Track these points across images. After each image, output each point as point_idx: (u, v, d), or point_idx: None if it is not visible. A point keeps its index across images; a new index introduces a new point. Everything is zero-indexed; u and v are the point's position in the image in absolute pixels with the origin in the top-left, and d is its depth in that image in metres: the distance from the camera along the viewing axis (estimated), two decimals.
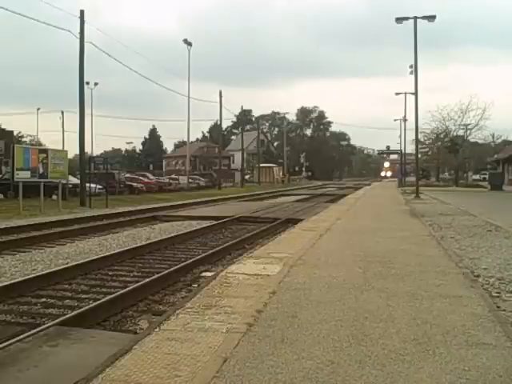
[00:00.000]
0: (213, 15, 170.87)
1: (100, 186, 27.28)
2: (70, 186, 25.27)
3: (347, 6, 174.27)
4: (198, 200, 27.37)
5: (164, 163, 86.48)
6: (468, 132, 49.46)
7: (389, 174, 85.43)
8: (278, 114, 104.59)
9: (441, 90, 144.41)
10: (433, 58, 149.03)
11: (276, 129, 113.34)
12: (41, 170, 19.36)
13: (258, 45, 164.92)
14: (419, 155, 35.64)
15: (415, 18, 27.14)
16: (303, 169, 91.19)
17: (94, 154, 48.27)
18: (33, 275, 7.38)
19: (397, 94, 52.31)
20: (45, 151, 21.01)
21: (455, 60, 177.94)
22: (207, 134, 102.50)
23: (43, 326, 4.85)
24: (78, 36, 23.71)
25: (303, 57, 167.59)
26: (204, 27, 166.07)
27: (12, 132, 51.97)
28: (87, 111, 28.35)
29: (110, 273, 8.04)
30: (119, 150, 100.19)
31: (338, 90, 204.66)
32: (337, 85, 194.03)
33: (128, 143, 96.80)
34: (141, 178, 42.61)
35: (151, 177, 46.55)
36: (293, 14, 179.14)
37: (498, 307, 4.93)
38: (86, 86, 27.18)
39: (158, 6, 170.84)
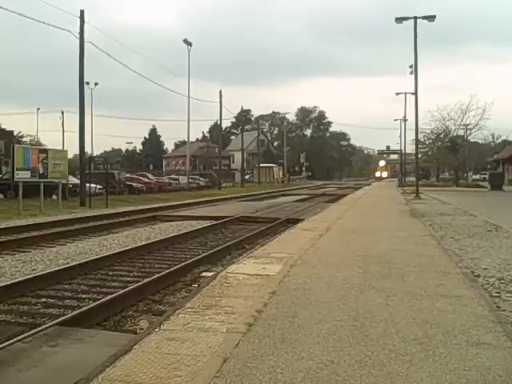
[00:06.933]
0: (214, 12, 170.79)
1: (100, 186, 27.26)
2: (70, 185, 25.28)
3: (348, 3, 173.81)
4: (198, 200, 27.37)
5: (164, 163, 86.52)
6: (468, 132, 49.55)
7: (384, 174, 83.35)
8: (278, 113, 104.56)
9: (448, 88, 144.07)
10: (439, 56, 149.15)
11: (276, 129, 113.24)
12: (41, 170, 19.36)
13: (258, 43, 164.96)
14: (419, 155, 35.65)
15: (415, 18, 27.15)
16: (303, 169, 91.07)
17: (94, 154, 48.34)
18: (33, 275, 7.38)
19: (397, 93, 52.48)
20: (45, 151, 21.01)
21: (462, 58, 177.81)
22: (207, 134, 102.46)
23: (43, 326, 4.85)
24: (78, 36, 23.70)
25: (304, 56, 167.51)
26: (205, 25, 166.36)
27: (12, 132, 52.16)
28: (87, 111, 28.34)
29: (110, 273, 8.04)
30: (119, 150, 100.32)
31: (338, 89, 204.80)
32: (337, 84, 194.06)
33: (128, 143, 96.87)
34: (141, 177, 42.55)
35: (151, 177, 46.49)
36: (294, 12, 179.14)
37: (498, 307, 4.93)
38: (85, 86, 27.18)
39: (158, 2, 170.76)
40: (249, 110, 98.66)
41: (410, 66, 30.83)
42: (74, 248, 10.44)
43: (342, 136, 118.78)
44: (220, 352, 3.48)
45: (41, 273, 7.58)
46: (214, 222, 15.03)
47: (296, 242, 9.03)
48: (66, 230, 13.27)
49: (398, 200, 25.04)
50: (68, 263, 8.56)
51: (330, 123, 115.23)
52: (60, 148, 38.52)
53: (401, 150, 60.02)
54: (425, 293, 5.21)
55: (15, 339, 4.37)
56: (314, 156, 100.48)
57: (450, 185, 50.46)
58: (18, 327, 5.06)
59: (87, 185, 24.04)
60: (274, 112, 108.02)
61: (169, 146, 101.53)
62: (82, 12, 23.81)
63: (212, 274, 6.96)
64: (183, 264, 8.31)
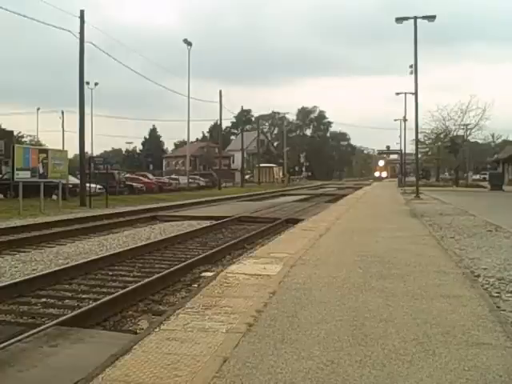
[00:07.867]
0: (214, 12, 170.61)
1: (100, 186, 27.27)
2: (70, 185, 25.28)
3: (349, 3, 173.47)
4: (198, 200, 27.37)
5: (164, 163, 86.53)
6: (468, 132, 49.54)
7: (384, 174, 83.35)
8: (278, 113, 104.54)
9: (448, 88, 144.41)
10: (439, 56, 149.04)
11: (276, 129, 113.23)
12: (41, 170, 19.37)
13: (258, 43, 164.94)
14: (419, 155, 35.64)
15: (415, 18, 27.17)
16: (303, 169, 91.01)
17: (94, 154, 48.33)
18: (33, 275, 7.38)
19: (397, 93, 52.34)
20: (45, 151, 21.03)
21: (462, 58, 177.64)
22: (207, 134, 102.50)
23: (43, 326, 4.85)
24: (78, 36, 23.70)
25: (304, 56, 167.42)
26: (205, 25, 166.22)
27: (12, 132, 52.03)
28: (87, 111, 28.39)
29: (110, 273, 8.05)
30: (119, 150, 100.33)
31: (338, 89, 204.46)
32: (337, 84, 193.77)
33: (128, 143, 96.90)
34: (141, 177, 42.54)
35: (151, 177, 46.49)
36: (294, 12, 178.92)
37: (498, 307, 4.93)
38: (85, 86, 27.18)
39: (158, 2, 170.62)
40: (249, 110, 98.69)
41: (411, 66, 30.79)
42: (74, 248, 10.44)
43: (342, 136, 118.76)
44: (220, 352, 3.48)
45: (41, 273, 7.58)
46: (214, 222, 15.04)
47: (296, 242, 9.03)
48: (65, 230, 13.28)
49: (398, 200, 25.04)
50: (68, 263, 8.56)
51: (330, 123, 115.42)
52: (60, 148, 38.54)
53: (401, 150, 60.01)
54: (425, 293, 5.21)
55: (15, 339, 4.37)
56: (314, 156, 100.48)
57: (449, 185, 50.43)
58: (17, 327, 5.06)
59: (87, 185, 24.05)
60: (273, 112, 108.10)
61: (169, 146, 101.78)
62: (81, 12, 23.82)
63: (212, 274, 6.96)
64: (183, 264, 8.31)
